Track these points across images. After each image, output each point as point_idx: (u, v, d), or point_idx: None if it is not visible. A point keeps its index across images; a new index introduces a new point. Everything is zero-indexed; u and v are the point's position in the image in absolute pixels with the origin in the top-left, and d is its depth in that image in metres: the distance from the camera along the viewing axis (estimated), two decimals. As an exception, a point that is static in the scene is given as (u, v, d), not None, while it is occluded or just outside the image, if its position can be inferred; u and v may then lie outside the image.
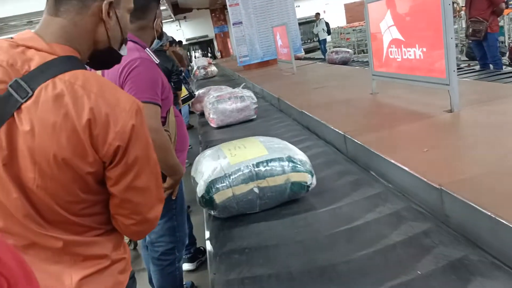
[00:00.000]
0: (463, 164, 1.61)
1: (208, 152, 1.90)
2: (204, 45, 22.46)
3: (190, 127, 7.16)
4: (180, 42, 8.56)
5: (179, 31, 20.08)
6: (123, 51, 1.05)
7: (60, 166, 0.83)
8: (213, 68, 9.32)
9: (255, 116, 3.50)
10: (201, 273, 2.68)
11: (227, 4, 7.64)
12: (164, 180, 1.76)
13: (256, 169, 1.65)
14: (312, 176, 1.72)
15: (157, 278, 2.03)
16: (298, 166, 1.70)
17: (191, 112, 6.46)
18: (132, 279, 1.13)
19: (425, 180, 1.49)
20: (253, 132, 2.97)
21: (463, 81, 2.24)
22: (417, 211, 1.52)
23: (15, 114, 0.81)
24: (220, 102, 3.36)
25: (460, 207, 1.31)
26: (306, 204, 1.76)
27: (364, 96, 3.19)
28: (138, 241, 2.49)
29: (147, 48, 1.75)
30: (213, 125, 3.44)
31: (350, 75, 4.83)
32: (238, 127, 3.34)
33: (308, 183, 1.71)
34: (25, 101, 0.81)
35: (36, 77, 0.83)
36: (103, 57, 1.01)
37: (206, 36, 21.37)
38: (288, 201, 1.75)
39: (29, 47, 0.86)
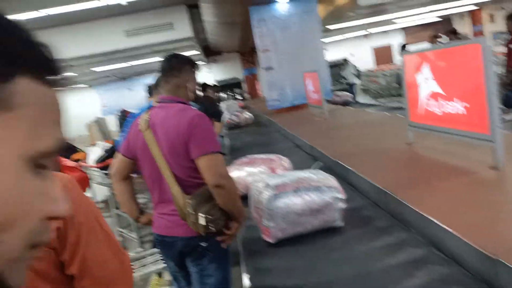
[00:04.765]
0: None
1: None
2: (233, 86, 23.00)
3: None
4: (215, 85, 8.65)
5: (209, 73, 20.75)
6: None
7: None
8: (248, 115, 7.92)
9: (342, 224, 2.10)
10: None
11: (259, 50, 7.85)
12: (226, 226, 1.73)
13: None
14: None
15: None
16: None
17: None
18: None
19: (478, 248, 1.42)
20: (355, 269, 1.77)
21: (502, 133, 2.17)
22: (467, 276, 1.44)
23: None
24: (279, 197, 2.02)
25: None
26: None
27: (400, 146, 3.14)
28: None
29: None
30: (269, 239, 2.06)
31: (383, 122, 4.80)
32: (314, 246, 1.99)
33: None
34: None
35: None
36: None
37: (236, 78, 21.95)
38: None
39: None
